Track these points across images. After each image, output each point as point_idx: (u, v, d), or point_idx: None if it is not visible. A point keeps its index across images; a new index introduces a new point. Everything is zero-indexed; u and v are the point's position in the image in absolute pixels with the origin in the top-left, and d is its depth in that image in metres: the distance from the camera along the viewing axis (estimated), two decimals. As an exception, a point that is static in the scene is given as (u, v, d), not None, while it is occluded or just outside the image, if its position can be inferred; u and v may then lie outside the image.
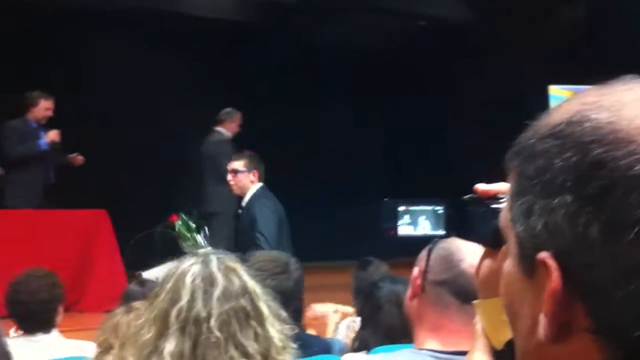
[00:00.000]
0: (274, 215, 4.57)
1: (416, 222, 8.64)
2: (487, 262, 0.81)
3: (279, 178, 6.28)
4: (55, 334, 3.01)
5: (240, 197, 4.72)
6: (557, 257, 0.52)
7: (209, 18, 8.01)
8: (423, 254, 1.58)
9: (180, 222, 4.58)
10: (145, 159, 7.36)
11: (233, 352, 1.43)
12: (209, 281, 1.49)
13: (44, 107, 6.08)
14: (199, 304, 1.45)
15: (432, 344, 1.52)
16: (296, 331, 1.62)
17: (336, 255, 7.40)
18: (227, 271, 1.52)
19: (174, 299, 1.46)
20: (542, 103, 7.88)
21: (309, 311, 3.70)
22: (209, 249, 4.30)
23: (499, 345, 0.82)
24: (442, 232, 8.47)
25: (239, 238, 4.89)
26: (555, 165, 0.53)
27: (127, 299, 2.68)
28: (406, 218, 8.74)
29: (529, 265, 0.55)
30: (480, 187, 0.86)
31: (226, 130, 6.52)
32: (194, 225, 4.55)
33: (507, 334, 0.68)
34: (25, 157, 5.96)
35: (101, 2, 7.49)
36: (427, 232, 8.51)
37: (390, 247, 7.11)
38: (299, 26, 8.23)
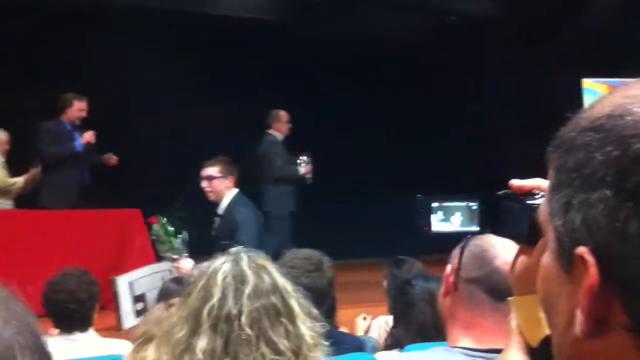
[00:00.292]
0: (254, 221, 4.58)
1: (449, 218, 8.61)
2: (523, 259, 0.80)
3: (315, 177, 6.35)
4: (92, 332, 3.04)
5: (216, 203, 4.64)
6: (595, 252, 0.51)
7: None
8: (456, 251, 1.57)
9: (158, 226, 4.41)
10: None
11: (264, 349, 1.44)
12: (239, 279, 1.50)
13: (77, 108, 6.16)
14: (230, 302, 1.46)
15: (466, 341, 1.50)
16: (328, 329, 1.61)
17: (368, 252, 7.38)
18: (258, 269, 1.53)
19: (206, 297, 1.48)
20: (575, 97, 7.78)
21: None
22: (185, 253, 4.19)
23: (534, 342, 0.81)
24: (476, 227, 8.42)
25: (216, 245, 4.79)
26: (595, 159, 0.52)
27: (164, 296, 2.71)
28: (440, 214, 8.71)
29: (567, 260, 0.54)
30: (515, 182, 0.85)
31: (276, 131, 6.65)
32: (172, 229, 4.37)
33: (542, 331, 0.67)
34: (60, 158, 6.05)
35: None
36: (461, 228, 8.48)
37: (423, 244, 7.09)
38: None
